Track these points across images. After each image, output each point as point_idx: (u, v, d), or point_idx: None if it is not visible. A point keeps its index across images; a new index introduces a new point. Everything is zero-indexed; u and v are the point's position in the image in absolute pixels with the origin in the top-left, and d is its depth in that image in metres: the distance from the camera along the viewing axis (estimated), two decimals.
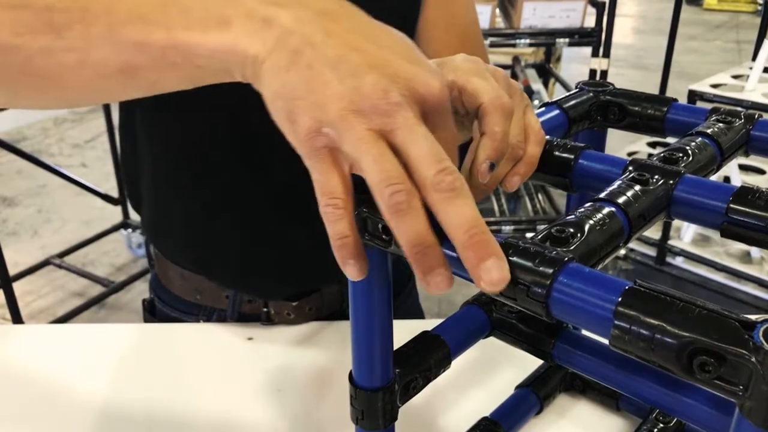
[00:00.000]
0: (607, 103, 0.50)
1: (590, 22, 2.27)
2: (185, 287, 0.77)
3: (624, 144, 2.84)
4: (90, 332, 0.76)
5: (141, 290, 2.37)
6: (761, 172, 2.50)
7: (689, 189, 0.38)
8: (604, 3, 2.23)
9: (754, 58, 2.31)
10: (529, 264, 0.30)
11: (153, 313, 0.82)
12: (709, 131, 0.43)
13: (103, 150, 3.48)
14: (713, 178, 0.42)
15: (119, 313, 2.32)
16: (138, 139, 0.72)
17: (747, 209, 0.36)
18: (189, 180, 0.71)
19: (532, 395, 0.59)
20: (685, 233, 2.41)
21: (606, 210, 0.35)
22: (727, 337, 0.25)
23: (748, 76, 2.18)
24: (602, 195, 0.36)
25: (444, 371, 0.46)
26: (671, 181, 0.38)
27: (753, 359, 0.24)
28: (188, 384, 0.66)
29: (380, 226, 0.34)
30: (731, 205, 0.37)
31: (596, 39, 2.23)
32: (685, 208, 0.38)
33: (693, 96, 2.10)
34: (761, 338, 0.25)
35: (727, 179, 2.29)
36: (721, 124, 0.45)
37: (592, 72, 2.24)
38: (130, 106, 0.71)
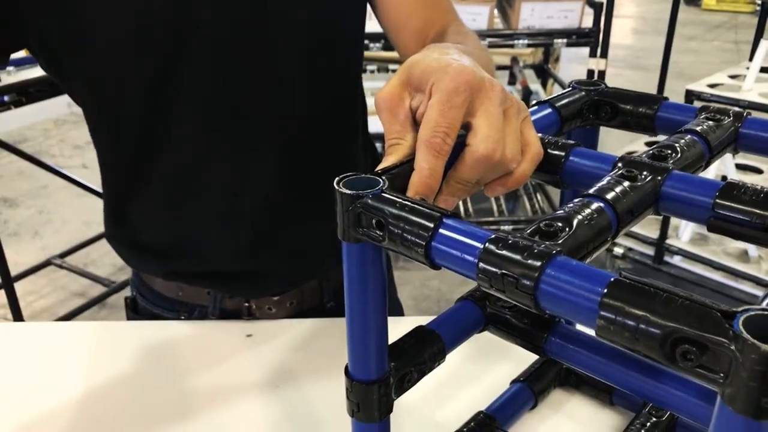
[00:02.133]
0: (598, 102, 0.51)
1: (588, 22, 2.27)
2: (167, 285, 0.77)
3: (624, 143, 2.85)
4: (90, 330, 0.77)
5: None
6: (758, 171, 2.51)
7: (677, 185, 0.38)
8: (602, 3, 2.23)
9: (751, 59, 2.32)
10: (518, 257, 0.31)
11: (136, 310, 0.82)
12: (698, 129, 0.44)
13: None
14: (710, 176, 0.43)
15: (120, 312, 2.30)
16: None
17: (733, 204, 0.37)
18: (167, 206, 0.73)
19: (527, 390, 0.60)
20: (683, 232, 2.41)
21: (594, 205, 0.35)
22: (708, 326, 0.26)
23: (745, 76, 2.19)
24: (591, 191, 0.37)
25: (438, 365, 0.47)
26: (659, 177, 0.39)
27: (733, 347, 0.25)
28: (188, 380, 0.66)
29: (374, 221, 0.35)
30: (717, 201, 0.37)
31: (594, 39, 2.23)
32: (672, 203, 0.38)
33: (690, 96, 2.10)
34: (741, 327, 0.25)
35: (724, 179, 2.29)
36: (710, 122, 0.45)
37: (590, 72, 2.24)
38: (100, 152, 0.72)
